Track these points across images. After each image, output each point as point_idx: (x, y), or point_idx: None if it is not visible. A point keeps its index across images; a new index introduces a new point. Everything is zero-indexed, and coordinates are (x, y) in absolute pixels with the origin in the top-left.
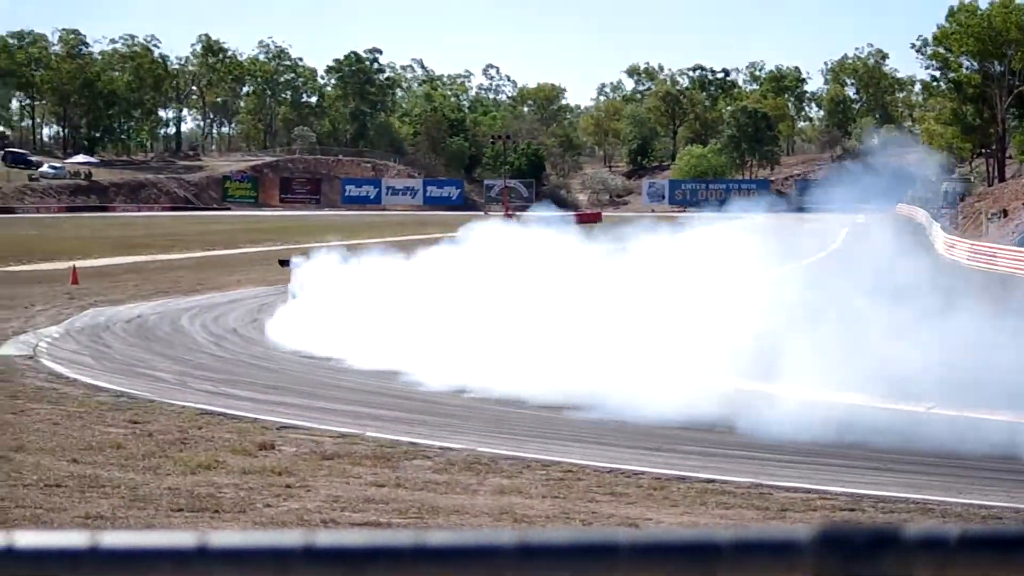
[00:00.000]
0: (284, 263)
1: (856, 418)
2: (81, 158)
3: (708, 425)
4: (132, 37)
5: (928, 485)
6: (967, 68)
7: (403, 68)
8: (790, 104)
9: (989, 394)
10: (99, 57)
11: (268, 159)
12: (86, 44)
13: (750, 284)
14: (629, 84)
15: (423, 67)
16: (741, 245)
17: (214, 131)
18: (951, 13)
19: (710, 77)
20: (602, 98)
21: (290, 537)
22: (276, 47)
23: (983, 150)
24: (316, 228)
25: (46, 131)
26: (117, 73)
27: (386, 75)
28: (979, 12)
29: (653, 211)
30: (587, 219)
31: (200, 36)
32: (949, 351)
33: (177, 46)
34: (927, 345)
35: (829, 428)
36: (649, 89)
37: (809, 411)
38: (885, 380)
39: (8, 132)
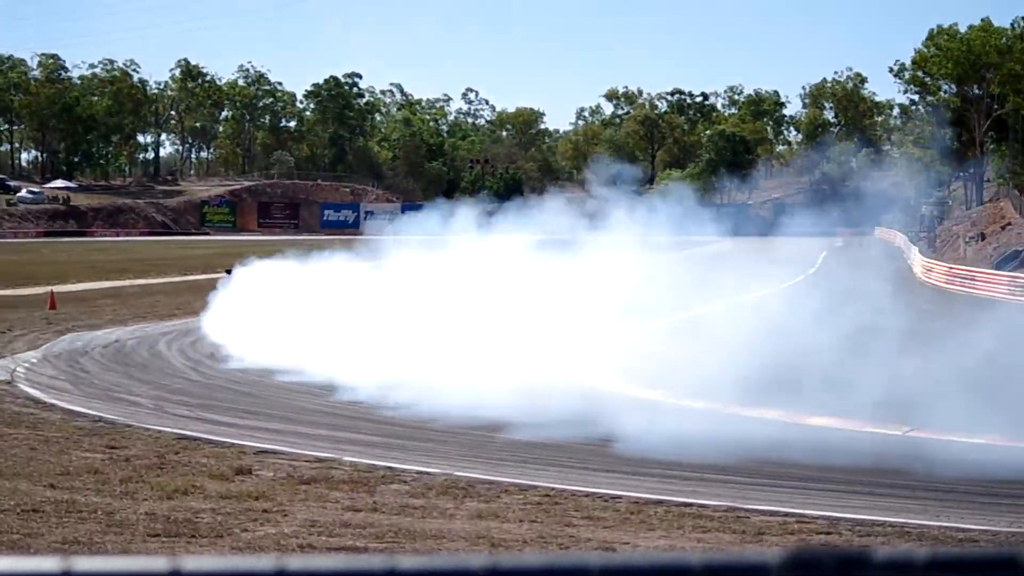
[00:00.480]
0: (228, 272)
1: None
2: (60, 183)
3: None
4: (111, 62)
5: (906, 508)
6: (945, 92)
7: (382, 93)
8: (769, 128)
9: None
10: (78, 82)
11: (247, 184)
12: (65, 69)
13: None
14: (608, 108)
15: (402, 92)
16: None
17: (193, 156)
18: (931, 36)
19: (688, 101)
20: (580, 122)
21: (262, 562)
22: (255, 72)
23: (961, 173)
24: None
25: (24, 156)
26: (96, 98)
27: (365, 100)
28: (959, 35)
29: None
30: None
31: (179, 61)
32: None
33: (156, 71)
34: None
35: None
36: (628, 113)
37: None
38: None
39: None
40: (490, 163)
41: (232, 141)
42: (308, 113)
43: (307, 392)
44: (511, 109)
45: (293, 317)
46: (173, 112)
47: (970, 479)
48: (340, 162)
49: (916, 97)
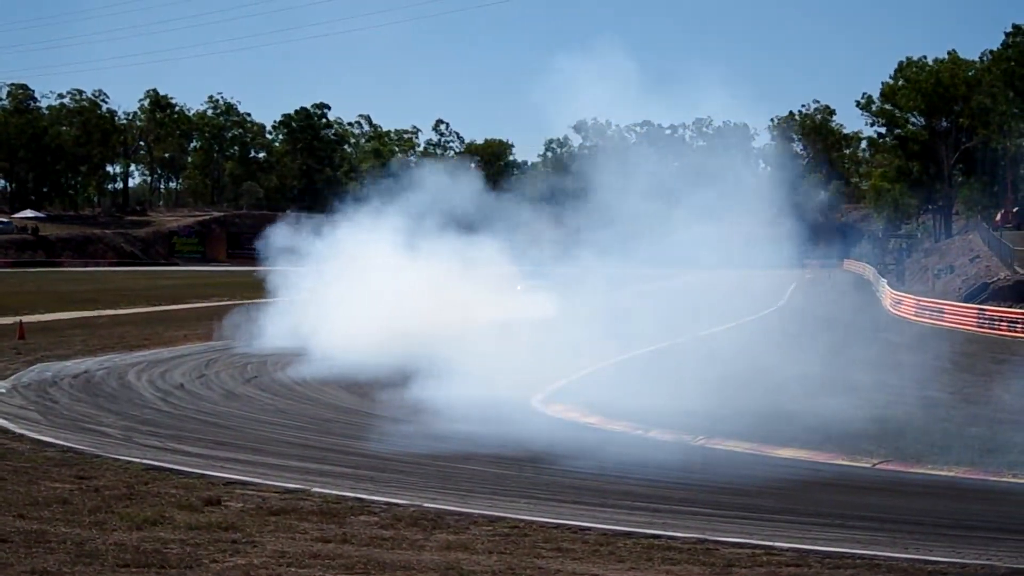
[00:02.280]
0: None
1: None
2: (28, 213)
3: None
4: (80, 92)
5: (875, 540)
6: (913, 124)
7: (350, 124)
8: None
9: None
10: (47, 112)
11: (216, 214)
12: (34, 99)
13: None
14: (577, 140)
15: (370, 123)
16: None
17: (161, 186)
18: (900, 68)
19: (657, 133)
20: (549, 154)
21: None
22: (224, 102)
23: (929, 206)
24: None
25: None
26: (65, 128)
27: (333, 131)
28: (927, 68)
29: None
30: None
31: (148, 91)
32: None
33: (125, 101)
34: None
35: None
36: (596, 145)
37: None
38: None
39: None
40: None
41: (201, 172)
42: (277, 144)
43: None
44: (480, 140)
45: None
46: (142, 142)
47: (939, 511)
48: (309, 193)
49: (884, 130)
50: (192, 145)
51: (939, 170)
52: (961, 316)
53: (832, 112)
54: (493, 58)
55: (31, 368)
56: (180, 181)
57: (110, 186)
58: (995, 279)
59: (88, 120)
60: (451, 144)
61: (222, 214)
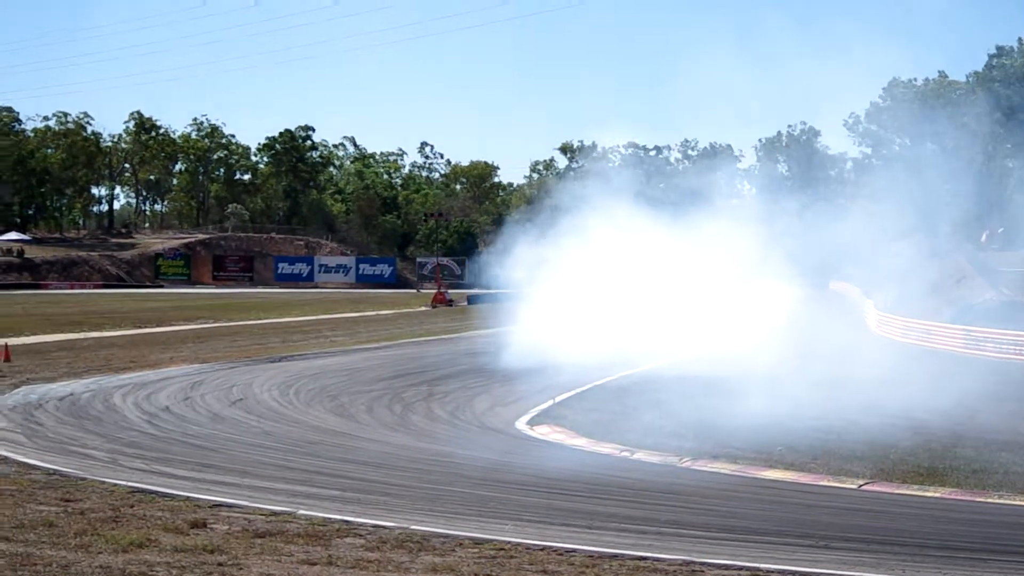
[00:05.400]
0: None
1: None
2: (13, 235)
3: None
4: (65, 114)
5: (861, 562)
6: (899, 145)
7: (335, 146)
8: (722, 181)
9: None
10: (32, 135)
11: (201, 236)
12: (19, 121)
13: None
14: (562, 161)
15: (355, 145)
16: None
17: (147, 208)
18: (887, 88)
19: (642, 155)
20: (535, 175)
21: None
22: (209, 124)
23: (915, 227)
24: (249, 306)
25: None
26: (50, 150)
27: (319, 153)
28: (914, 88)
29: None
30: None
31: (133, 113)
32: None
33: (110, 123)
34: None
35: None
36: (582, 167)
37: None
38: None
39: None
40: (444, 216)
41: (186, 194)
42: (262, 166)
43: None
44: (465, 163)
45: None
46: (127, 165)
47: (925, 532)
48: (294, 215)
49: (870, 150)
50: (177, 167)
51: (924, 191)
52: (948, 336)
53: (818, 133)
54: (478, 80)
55: (16, 391)
56: (165, 203)
57: (95, 208)
58: (981, 300)
59: (73, 143)
60: (436, 166)
61: (207, 236)
